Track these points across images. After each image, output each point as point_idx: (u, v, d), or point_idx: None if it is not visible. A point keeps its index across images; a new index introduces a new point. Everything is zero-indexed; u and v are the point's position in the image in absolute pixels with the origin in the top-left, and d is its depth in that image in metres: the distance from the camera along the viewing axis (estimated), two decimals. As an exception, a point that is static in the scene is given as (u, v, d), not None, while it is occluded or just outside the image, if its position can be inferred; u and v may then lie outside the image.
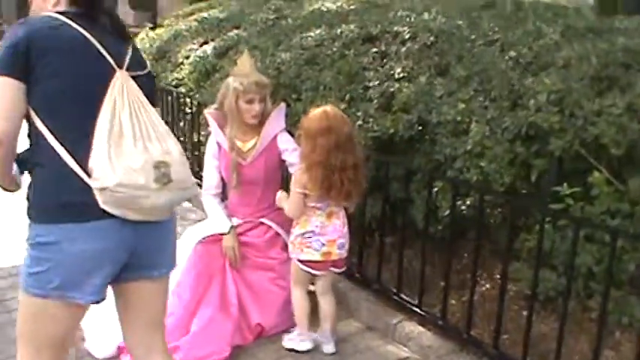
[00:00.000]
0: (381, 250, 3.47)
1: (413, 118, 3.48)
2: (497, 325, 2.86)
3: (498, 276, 3.35)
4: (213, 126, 3.32)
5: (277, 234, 3.32)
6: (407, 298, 3.31)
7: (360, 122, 3.68)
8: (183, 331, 2.97)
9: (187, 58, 6.16)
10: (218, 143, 3.31)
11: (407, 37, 4.29)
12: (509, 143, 2.93)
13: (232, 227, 3.23)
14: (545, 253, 2.81)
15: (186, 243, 3.23)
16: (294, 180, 2.98)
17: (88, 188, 1.73)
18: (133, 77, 1.86)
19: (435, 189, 3.19)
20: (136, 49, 1.97)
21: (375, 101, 3.70)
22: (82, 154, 1.74)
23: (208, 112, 3.34)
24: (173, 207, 1.88)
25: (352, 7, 5.88)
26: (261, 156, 3.28)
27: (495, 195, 2.96)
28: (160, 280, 1.99)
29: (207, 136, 4.99)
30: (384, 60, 4.12)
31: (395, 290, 3.35)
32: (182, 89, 5.84)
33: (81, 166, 1.74)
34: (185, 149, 5.61)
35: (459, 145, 3.11)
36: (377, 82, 3.84)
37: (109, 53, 1.84)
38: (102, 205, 1.73)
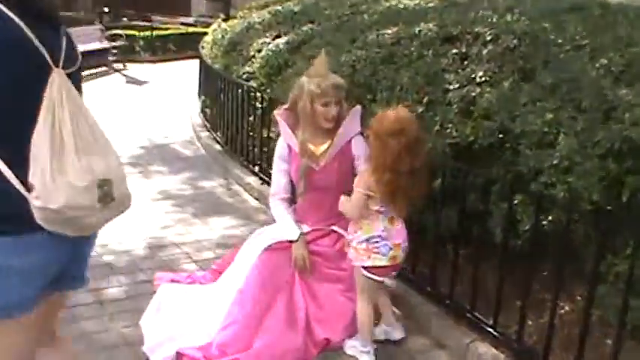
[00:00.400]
0: (455, 264, 3.30)
1: (494, 126, 3.28)
2: (579, 354, 2.66)
3: (579, 298, 3.17)
4: (283, 127, 3.22)
5: (349, 243, 3.19)
6: (481, 317, 3.14)
7: (437, 127, 3.52)
8: (244, 343, 2.87)
9: (259, 51, 6.10)
10: (289, 146, 3.22)
11: (488, 38, 4.08)
12: (601, 159, 2.72)
13: (302, 234, 3.12)
14: (636, 278, 2.59)
15: (252, 249, 3.14)
16: (359, 180, 2.89)
17: (25, 201, 1.57)
18: (68, 75, 1.64)
19: (515, 202, 3.00)
20: (69, 40, 1.73)
21: (455, 106, 3.51)
22: (20, 166, 1.56)
23: (278, 113, 3.25)
24: (108, 223, 1.74)
25: (430, 4, 5.70)
26: (334, 160, 3.16)
27: (582, 213, 2.74)
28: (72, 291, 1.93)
29: (277, 133, 5.02)
30: (465, 62, 3.93)
31: (469, 307, 3.18)
32: (253, 83, 5.77)
33: (19, 179, 1.56)
34: (254, 145, 5.63)
35: (545, 157, 2.91)
36: (457, 86, 3.66)
37: (45, 47, 1.59)
38: (38, 221, 1.58)
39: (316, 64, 3.09)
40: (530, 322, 3.10)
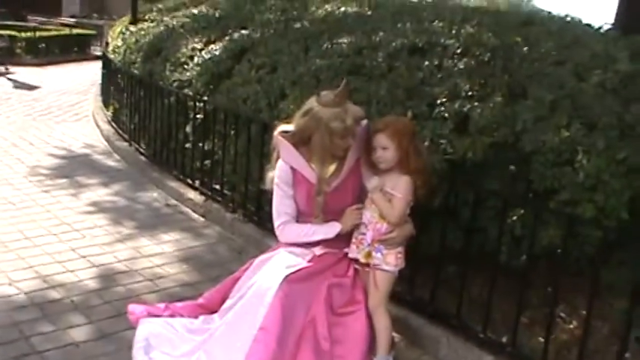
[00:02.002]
0: (463, 283, 3.18)
1: (496, 142, 3.20)
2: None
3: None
4: (287, 150, 2.97)
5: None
6: (494, 337, 3.03)
7: (426, 143, 3.38)
8: None
9: (192, 58, 5.71)
10: (292, 168, 2.95)
11: (458, 51, 4.03)
12: (626, 177, 2.69)
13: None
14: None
15: (264, 280, 2.83)
16: (402, 186, 2.83)
17: None
18: None
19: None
20: None
21: (449, 121, 3.39)
22: None
23: (282, 136, 2.98)
24: None
25: (369, 12, 5.59)
26: (347, 181, 2.97)
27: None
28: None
29: (223, 143, 4.73)
30: (440, 75, 3.83)
31: (480, 327, 3.06)
32: (187, 91, 5.39)
33: None
34: (193, 158, 5.25)
35: (565, 175, 2.84)
36: (444, 99, 3.53)
37: None
38: None
39: (337, 94, 2.84)
40: (540, 339, 3.01)
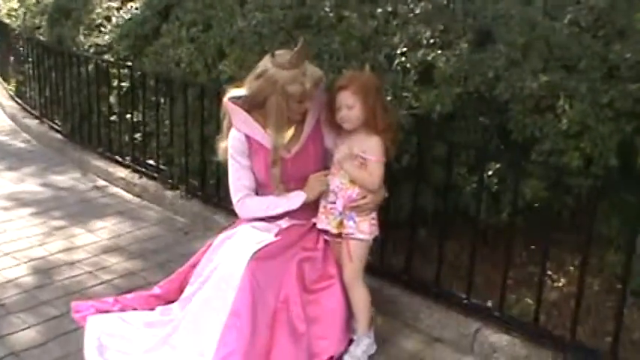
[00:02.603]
0: (441, 249, 3.18)
1: (465, 92, 3.19)
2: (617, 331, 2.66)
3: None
4: (240, 117, 2.89)
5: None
6: (478, 302, 3.05)
7: (388, 97, 3.34)
8: None
9: (108, 19, 5.47)
10: (247, 137, 2.87)
11: (411, -5, 3.96)
12: (614, 122, 2.71)
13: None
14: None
15: (228, 261, 2.74)
16: (374, 148, 2.77)
17: None
18: None
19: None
20: None
21: (413, 72, 3.34)
22: None
23: (233, 102, 2.88)
24: None
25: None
26: (307, 145, 2.92)
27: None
28: None
29: (156, 112, 4.60)
30: (396, 22, 3.77)
31: (463, 295, 3.07)
32: (108, 57, 5.16)
33: None
34: (120, 132, 5.08)
35: (543, 123, 2.86)
36: (404, 49, 3.48)
37: None
38: None
39: (294, 54, 2.74)
40: (529, 301, 3.06)
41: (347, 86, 2.77)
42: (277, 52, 2.82)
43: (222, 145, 3.02)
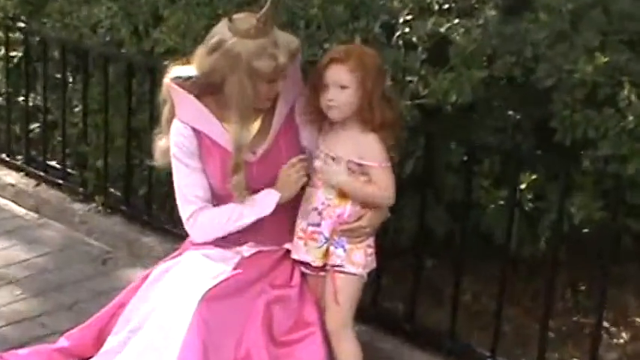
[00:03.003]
0: (457, 287, 3.21)
1: (492, 77, 3.24)
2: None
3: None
4: (187, 104, 2.89)
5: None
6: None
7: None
8: None
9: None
10: (196, 131, 2.88)
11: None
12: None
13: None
14: None
15: (176, 300, 2.75)
16: (374, 150, 2.79)
17: None
18: None
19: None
20: None
21: (419, 48, 3.37)
22: None
23: (175, 83, 2.89)
24: None
25: None
26: (278, 142, 2.94)
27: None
28: None
29: (62, 95, 4.60)
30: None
31: (488, 353, 3.11)
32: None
33: None
34: (9, 119, 5.08)
35: (602, 121, 2.90)
36: (408, 16, 3.51)
37: None
38: None
39: (260, 18, 2.75)
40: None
41: (343, 60, 2.78)
42: (236, 17, 2.83)
43: (160, 144, 3.01)
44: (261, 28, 2.75)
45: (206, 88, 2.88)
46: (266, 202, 2.88)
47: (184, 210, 2.94)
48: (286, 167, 2.89)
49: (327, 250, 2.84)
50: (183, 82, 2.91)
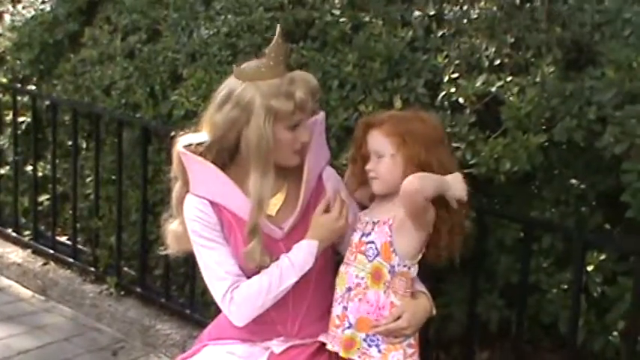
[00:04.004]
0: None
1: (552, 141, 3.15)
2: None
3: None
4: (203, 172, 2.81)
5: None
6: None
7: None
8: None
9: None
10: (214, 205, 2.78)
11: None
12: None
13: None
14: None
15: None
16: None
17: None
18: None
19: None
20: None
21: (467, 110, 3.32)
22: None
23: (190, 151, 2.81)
24: None
25: None
26: (307, 216, 2.82)
27: None
28: None
29: (73, 164, 4.58)
30: (442, 31, 3.78)
31: None
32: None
33: None
34: (16, 190, 5.07)
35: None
36: (454, 74, 3.47)
37: None
38: None
39: (269, 54, 2.69)
40: None
41: (379, 125, 2.70)
42: (244, 65, 2.76)
43: (172, 228, 2.91)
44: (272, 67, 2.68)
45: (221, 154, 2.80)
46: (304, 254, 2.76)
47: (217, 289, 2.80)
48: (319, 209, 2.78)
49: (353, 340, 2.69)
50: (195, 148, 2.82)
